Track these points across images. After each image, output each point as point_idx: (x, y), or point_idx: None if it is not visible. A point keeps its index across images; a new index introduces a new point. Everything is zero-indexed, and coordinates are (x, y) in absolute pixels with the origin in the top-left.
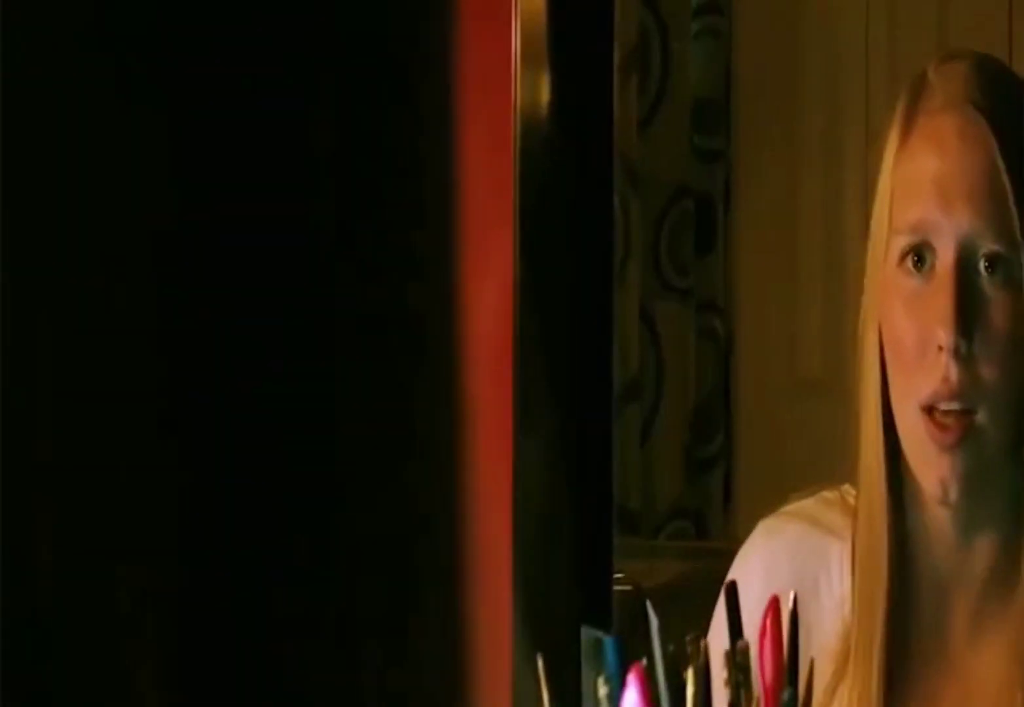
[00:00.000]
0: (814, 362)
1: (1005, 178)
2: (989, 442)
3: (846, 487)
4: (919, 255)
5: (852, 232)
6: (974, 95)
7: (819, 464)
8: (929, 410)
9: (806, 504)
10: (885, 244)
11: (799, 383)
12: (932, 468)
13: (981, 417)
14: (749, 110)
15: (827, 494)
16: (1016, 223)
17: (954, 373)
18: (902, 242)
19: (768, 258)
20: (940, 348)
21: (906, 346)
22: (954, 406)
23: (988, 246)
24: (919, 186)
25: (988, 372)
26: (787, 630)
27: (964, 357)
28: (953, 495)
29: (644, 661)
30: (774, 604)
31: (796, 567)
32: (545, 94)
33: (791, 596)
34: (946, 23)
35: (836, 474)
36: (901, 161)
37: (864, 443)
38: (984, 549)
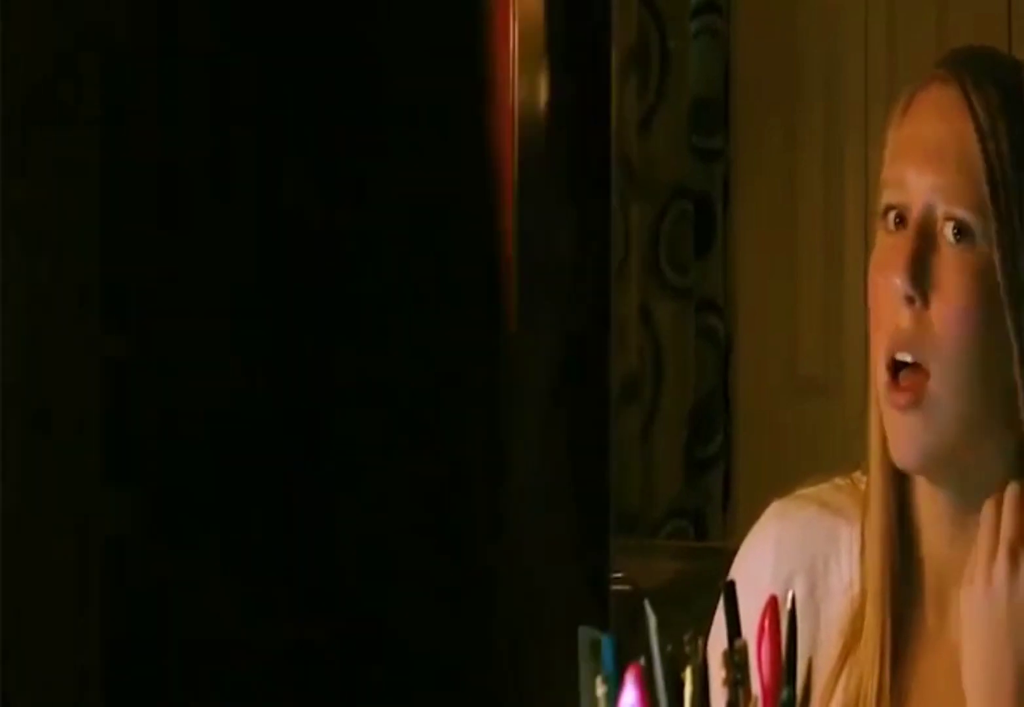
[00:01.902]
0: (813, 361)
1: (977, 148)
2: (945, 411)
3: (857, 474)
4: (900, 216)
5: (851, 231)
6: (960, 70)
7: (819, 463)
8: (891, 369)
9: (819, 489)
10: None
11: (798, 382)
12: (893, 433)
13: (934, 383)
14: (748, 110)
15: (838, 480)
16: (986, 193)
17: (906, 319)
18: (884, 198)
19: (767, 257)
20: (896, 291)
21: (878, 303)
22: (907, 357)
23: (951, 209)
24: (903, 147)
25: (941, 331)
26: (785, 629)
27: (917, 307)
28: (911, 462)
29: (642, 661)
30: (772, 603)
31: (807, 547)
32: (543, 95)
33: (789, 595)
34: (945, 22)
35: (837, 471)
36: (899, 129)
37: (872, 423)
38: (972, 527)
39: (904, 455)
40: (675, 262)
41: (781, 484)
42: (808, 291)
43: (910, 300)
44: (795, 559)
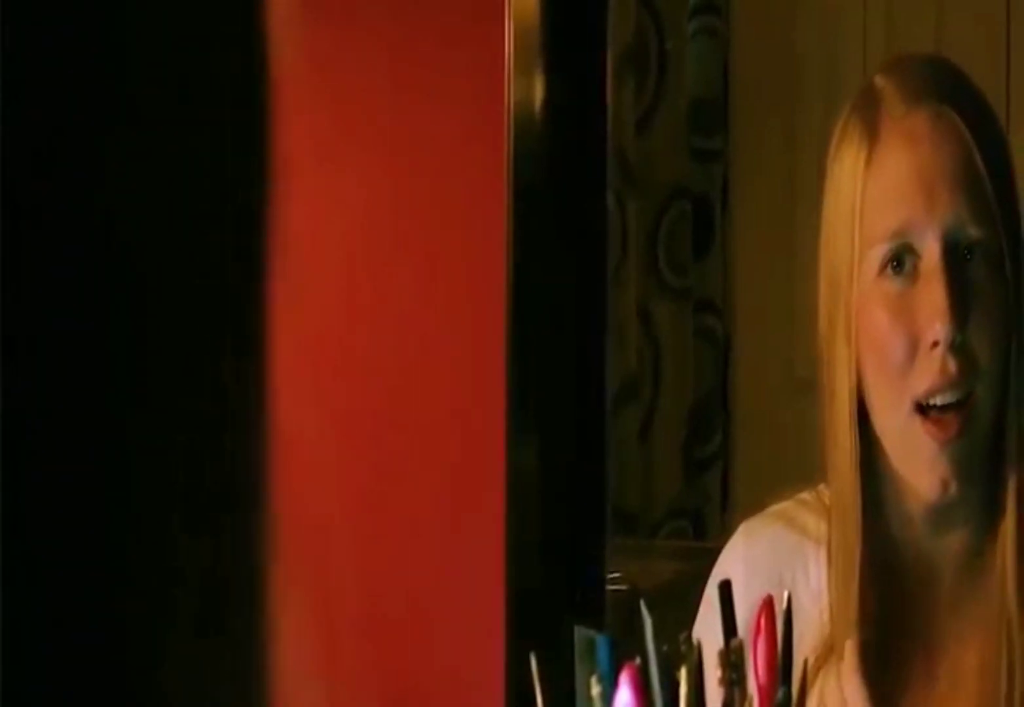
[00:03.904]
0: (812, 362)
1: (980, 162)
2: (985, 421)
3: (821, 487)
4: (898, 259)
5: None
6: (935, 90)
7: (817, 463)
8: (924, 409)
9: (785, 505)
10: (854, 260)
11: (797, 382)
12: (930, 469)
13: (976, 397)
14: (746, 110)
15: (804, 495)
16: (994, 206)
17: (952, 365)
18: (880, 251)
19: (766, 258)
20: (935, 343)
21: (893, 351)
22: (950, 398)
23: (970, 232)
24: (897, 190)
25: (982, 356)
26: (781, 629)
27: (959, 347)
28: (953, 489)
29: (638, 660)
30: (768, 603)
31: (775, 566)
32: (539, 95)
33: (785, 595)
34: (943, 22)
35: (803, 485)
36: (872, 174)
37: (836, 447)
38: (960, 531)
39: (949, 486)
40: (674, 263)
41: (780, 484)
42: (806, 292)
43: (952, 345)
44: (763, 575)
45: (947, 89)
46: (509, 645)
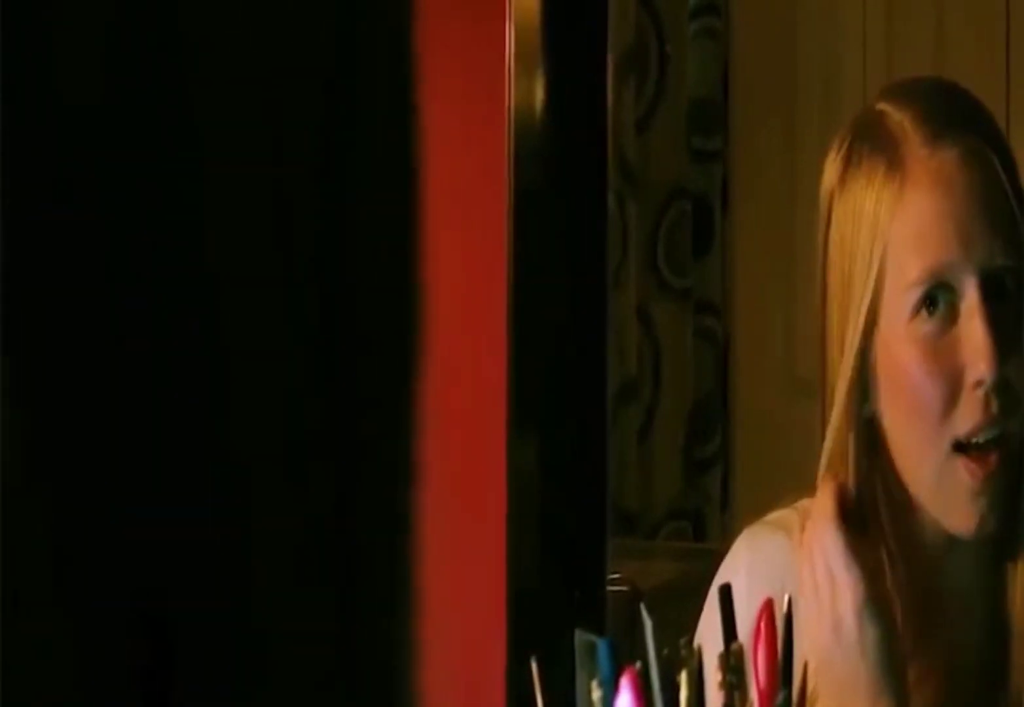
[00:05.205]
0: (811, 362)
1: (1008, 189)
2: (1017, 449)
3: None
4: (931, 299)
5: None
6: (952, 121)
7: (816, 464)
8: (964, 447)
9: (784, 514)
10: (869, 308)
11: (797, 383)
12: (968, 507)
13: (1011, 426)
14: (746, 111)
15: (805, 503)
16: (1021, 229)
17: (995, 403)
18: (913, 296)
19: (765, 259)
20: (979, 383)
21: (931, 394)
22: (990, 435)
23: (1003, 263)
24: (929, 231)
25: (1019, 388)
26: (781, 632)
27: (1002, 384)
28: (989, 525)
29: (638, 664)
30: (768, 606)
31: (776, 575)
32: (540, 96)
33: (786, 598)
34: (943, 22)
35: (801, 493)
36: (897, 221)
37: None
38: (976, 549)
39: (985, 524)
40: (673, 263)
41: (780, 485)
42: (806, 292)
43: (996, 383)
44: (765, 586)
45: (964, 119)
46: (510, 646)
